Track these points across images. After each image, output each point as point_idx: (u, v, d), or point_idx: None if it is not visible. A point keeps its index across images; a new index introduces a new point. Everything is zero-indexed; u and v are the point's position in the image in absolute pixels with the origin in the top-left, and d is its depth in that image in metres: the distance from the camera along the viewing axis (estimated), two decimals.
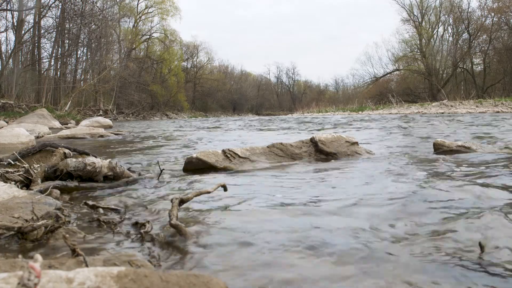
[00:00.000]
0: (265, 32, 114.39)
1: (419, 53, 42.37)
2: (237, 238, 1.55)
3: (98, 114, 27.00)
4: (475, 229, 1.56)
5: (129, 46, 40.56)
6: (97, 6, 29.99)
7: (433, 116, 18.49)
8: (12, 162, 2.89)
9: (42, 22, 27.85)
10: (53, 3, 27.36)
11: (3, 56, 25.73)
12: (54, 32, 28.44)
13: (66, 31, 28.89)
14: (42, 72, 28.35)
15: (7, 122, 14.36)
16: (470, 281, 1.15)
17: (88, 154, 3.28)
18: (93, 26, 28.79)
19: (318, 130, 10.37)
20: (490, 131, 7.48)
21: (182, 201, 1.89)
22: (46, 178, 2.52)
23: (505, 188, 2.30)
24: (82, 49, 31.85)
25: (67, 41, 29.78)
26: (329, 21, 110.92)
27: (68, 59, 30.42)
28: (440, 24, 41.91)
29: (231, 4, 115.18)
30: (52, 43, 28.91)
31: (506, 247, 1.36)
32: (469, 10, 39.00)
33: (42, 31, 27.80)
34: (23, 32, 25.91)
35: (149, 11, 44.73)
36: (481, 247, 1.33)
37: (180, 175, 3.15)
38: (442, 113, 22.86)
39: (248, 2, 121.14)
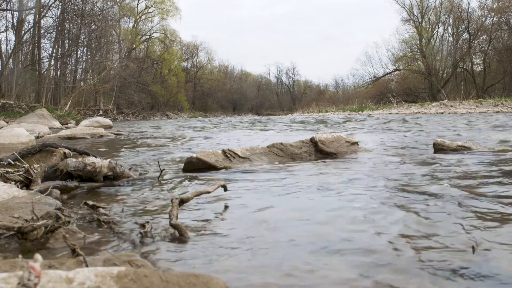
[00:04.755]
0: (265, 32, 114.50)
1: (419, 53, 42.33)
2: (237, 238, 1.55)
3: (98, 114, 26.97)
4: (470, 229, 1.57)
5: (129, 46, 40.53)
6: (97, 6, 29.96)
7: (433, 116, 18.49)
8: (12, 162, 2.89)
9: (42, 22, 27.84)
10: (53, 3, 27.36)
11: (3, 56, 25.71)
12: (54, 32, 28.42)
13: (66, 31, 28.87)
14: (42, 72, 28.33)
15: (7, 122, 14.36)
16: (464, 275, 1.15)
17: (88, 154, 3.28)
18: (93, 26, 28.75)
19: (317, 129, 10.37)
20: (490, 131, 7.48)
21: (182, 201, 1.89)
22: (46, 178, 2.52)
23: (503, 187, 2.30)
24: (82, 49, 31.83)
25: (67, 41, 29.75)
26: (329, 21, 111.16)
27: (68, 59, 30.38)
28: (440, 24, 41.88)
29: (231, 4, 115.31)
30: (52, 43, 28.91)
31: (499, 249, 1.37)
32: (469, 10, 38.95)
33: (42, 31, 27.78)
34: (23, 32, 25.89)
35: (149, 11, 44.70)
36: (473, 249, 1.34)
37: (180, 175, 3.15)
38: (442, 113, 22.86)
39: (249, 2, 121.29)
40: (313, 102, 47.06)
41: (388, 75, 44.84)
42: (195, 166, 3.35)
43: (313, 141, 4.02)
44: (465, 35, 39.47)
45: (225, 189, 2.35)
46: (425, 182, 2.57)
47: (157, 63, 45.96)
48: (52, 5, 27.59)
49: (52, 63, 29.37)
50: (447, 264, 1.25)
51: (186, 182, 2.82)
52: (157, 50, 47.07)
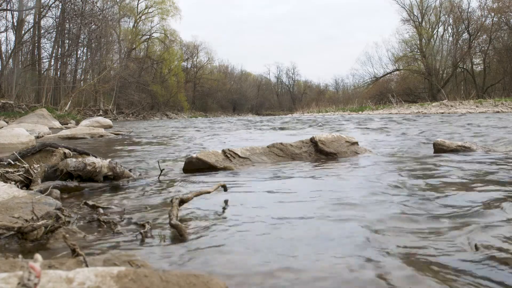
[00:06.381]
0: (265, 32, 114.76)
1: (419, 53, 42.33)
2: (237, 238, 1.55)
3: (98, 114, 26.96)
4: (471, 227, 1.57)
5: (129, 46, 40.53)
6: (97, 6, 29.96)
7: (433, 116, 18.49)
8: (12, 162, 2.89)
9: (42, 22, 27.85)
10: (53, 3, 27.37)
11: (3, 56, 25.70)
12: (54, 32, 28.43)
13: (66, 31, 28.87)
14: (42, 72, 28.33)
15: (7, 122, 14.36)
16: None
17: (88, 154, 3.28)
18: (93, 26, 28.75)
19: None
20: (490, 131, 7.48)
21: (182, 201, 1.89)
22: (46, 178, 2.52)
23: (502, 187, 2.31)
24: (82, 49, 31.84)
25: (67, 41, 29.76)
26: (329, 21, 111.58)
27: (68, 59, 30.37)
28: (440, 24, 41.87)
29: (231, 4, 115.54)
30: (52, 43, 28.91)
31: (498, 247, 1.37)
32: (469, 10, 38.93)
33: (42, 31, 27.79)
34: (23, 32, 25.89)
35: (149, 11, 44.71)
36: (476, 247, 1.36)
37: (180, 175, 3.15)
38: (442, 113, 22.86)
39: (249, 2, 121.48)
40: (313, 102, 47.08)
41: (388, 75, 44.87)
42: (195, 166, 3.35)
43: (313, 141, 4.02)
44: (465, 35, 39.49)
45: (225, 189, 2.35)
46: (425, 182, 2.57)
47: (157, 63, 45.96)
48: (52, 5, 27.62)
49: (52, 63, 29.38)
50: (449, 261, 1.26)
51: (186, 182, 2.82)
52: (157, 50, 47.08)
